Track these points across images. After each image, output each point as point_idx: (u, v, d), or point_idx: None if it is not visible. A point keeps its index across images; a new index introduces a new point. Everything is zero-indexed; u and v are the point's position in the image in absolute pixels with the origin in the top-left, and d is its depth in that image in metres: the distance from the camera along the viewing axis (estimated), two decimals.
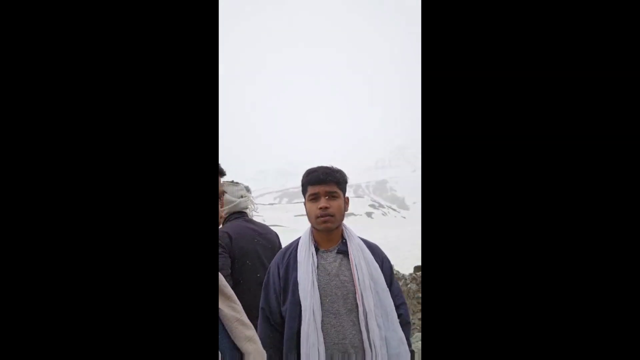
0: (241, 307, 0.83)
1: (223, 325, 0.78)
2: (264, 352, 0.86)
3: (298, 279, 1.30)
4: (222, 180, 1.05)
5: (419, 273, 6.63)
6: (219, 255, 1.67)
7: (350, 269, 1.32)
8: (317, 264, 1.33)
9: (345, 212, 1.38)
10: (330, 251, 1.36)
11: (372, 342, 1.23)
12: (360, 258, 1.33)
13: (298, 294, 1.28)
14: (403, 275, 6.28)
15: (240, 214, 1.93)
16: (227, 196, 1.91)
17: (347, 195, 1.41)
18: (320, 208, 1.32)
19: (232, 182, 1.97)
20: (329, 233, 1.36)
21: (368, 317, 1.25)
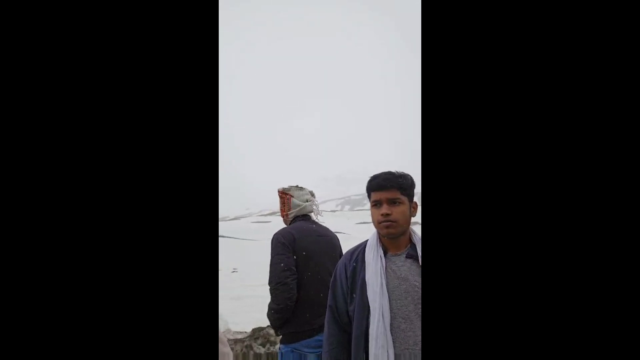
0: (222, 322, 0.82)
1: None
2: None
3: (366, 280, 1.30)
4: (288, 185, 1.17)
5: None
6: (283, 255, 1.88)
7: (420, 274, 1.29)
8: (386, 266, 1.33)
9: (413, 216, 1.37)
10: (399, 255, 1.36)
11: None
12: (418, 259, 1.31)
13: (366, 295, 1.28)
14: None
15: (304, 217, 2.12)
16: (293, 200, 2.09)
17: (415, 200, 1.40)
18: (382, 214, 1.32)
19: (298, 186, 2.17)
20: (396, 239, 1.35)
21: None
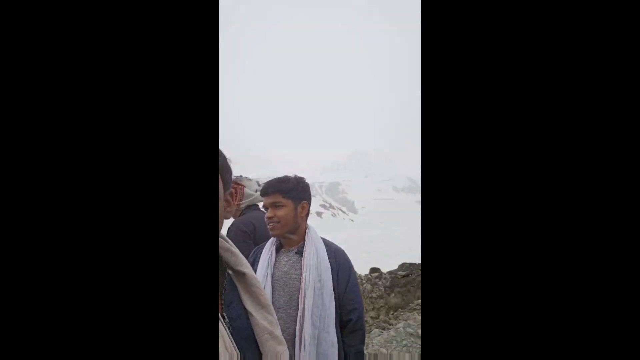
0: (276, 320, 0.83)
1: (253, 334, 0.77)
2: None
3: (256, 272, 1.43)
4: (238, 175, 1.16)
5: (375, 274, 7.46)
6: (245, 243, 1.90)
7: (301, 267, 1.44)
8: (275, 261, 1.49)
9: (303, 215, 1.53)
10: (290, 251, 1.52)
11: (302, 337, 1.33)
12: (312, 259, 1.44)
13: None
14: (359, 275, 6.48)
15: (256, 207, 2.17)
16: (246, 190, 2.15)
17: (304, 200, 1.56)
18: (267, 217, 1.52)
19: (247, 177, 2.23)
20: (286, 237, 1.52)
21: (305, 314, 1.35)
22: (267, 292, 1.42)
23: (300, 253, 1.49)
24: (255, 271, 1.49)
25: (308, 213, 1.59)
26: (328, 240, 1.58)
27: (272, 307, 0.83)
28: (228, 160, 0.79)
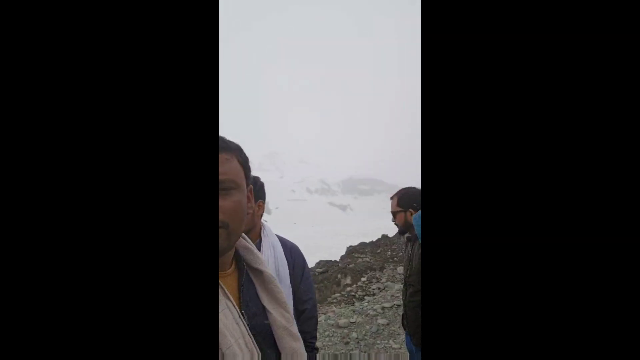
0: (292, 317, 0.85)
1: (271, 331, 0.79)
2: None
3: None
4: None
5: None
6: None
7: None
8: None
9: (259, 214, 1.55)
10: None
11: None
12: (270, 256, 1.47)
13: None
14: None
15: None
16: None
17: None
18: None
19: None
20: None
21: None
22: None
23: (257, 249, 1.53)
24: None
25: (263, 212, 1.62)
26: (283, 238, 1.63)
27: (288, 305, 0.84)
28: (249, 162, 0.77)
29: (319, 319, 4.88)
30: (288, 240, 1.64)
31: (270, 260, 1.47)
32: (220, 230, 0.67)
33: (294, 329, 0.83)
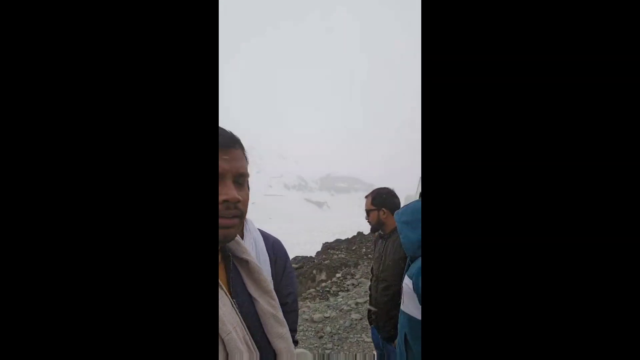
0: (278, 304, 0.87)
1: (259, 319, 0.80)
2: (294, 350, 0.91)
3: None
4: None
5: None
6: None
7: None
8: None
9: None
10: None
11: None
12: (251, 251, 1.35)
13: None
14: None
15: None
16: None
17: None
18: None
19: None
20: None
21: None
22: None
23: None
24: None
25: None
26: (265, 232, 1.60)
27: (274, 293, 0.87)
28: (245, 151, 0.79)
29: None
30: (271, 235, 1.63)
31: (252, 255, 1.52)
32: (237, 220, 0.70)
33: (280, 315, 0.87)
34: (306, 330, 4.47)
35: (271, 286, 0.89)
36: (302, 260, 9.35)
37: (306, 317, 4.90)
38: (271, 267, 1.50)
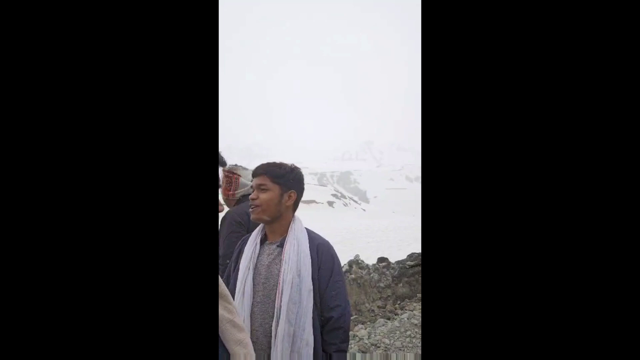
0: (235, 308, 0.85)
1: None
2: (254, 355, 0.90)
3: (239, 264, 1.45)
4: (222, 168, 1.10)
5: (383, 264, 7.14)
6: (237, 234, 1.83)
7: (281, 262, 1.39)
8: (258, 254, 1.43)
9: (288, 205, 1.46)
10: (273, 243, 1.46)
11: (277, 334, 1.29)
12: (292, 253, 1.38)
13: (237, 276, 1.42)
14: (367, 265, 6.61)
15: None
16: (241, 179, 2.10)
17: (293, 189, 1.48)
18: (251, 199, 1.45)
19: (243, 166, 2.15)
20: (269, 226, 1.46)
21: (281, 310, 1.30)
22: (247, 286, 1.37)
23: (282, 246, 1.42)
24: (239, 263, 1.46)
25: (296, 205, 1.51)
26: (314, 233, 1.50)
27: (230, 296, 0.83)
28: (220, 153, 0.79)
29: (401, 317, 4.63)
30: (320, 237, 1.49)
31: (292, 257, 1.36)
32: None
33: (238, 320, 0.82)
34: (413, 337, 4.10)
35: (227, 291, 0.85)
36: (418, 257, 8.82)
37: (415, 321, 4.51)
38: (314, 272, 1.36)
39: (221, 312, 0.78)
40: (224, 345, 0.76)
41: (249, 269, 1.40)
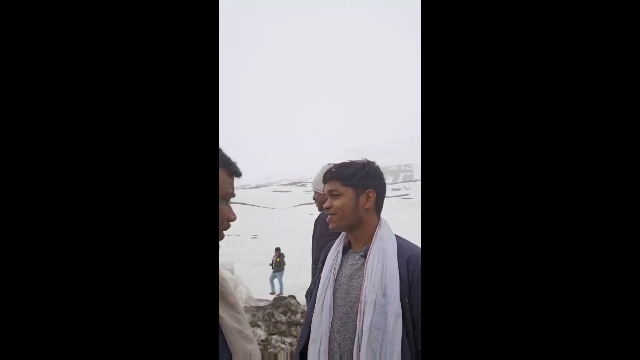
0: (245, 319, 0.80)
1: (223, 336, 0.75)
2: None
3: (321, 275, 1.28)
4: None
5: None
6: (330, 237, 1.59)
7: (363, 276, 1.18)
8: (340, 264, 1.25)
9: (368, 207, 1.23)
10: (358, 253, 1.25)
11: None
12: (376, 267, 1.16)
13: (317, 289, 1.27)
14: None
15: None
16: None
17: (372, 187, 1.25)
18: (324, 207, 1.28)
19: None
20: (351, 233, 1.27)
21: (363, 336, 1.10)
22: (326, 301, 1.20)
23: (366, 256, 1.20)
24: (320, 270, 1.31)
25: (379, 205, 1.27)
26: (406, 242, 1.23)
27: (240, 306, 0.80)
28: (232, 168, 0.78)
29: None
30: (414, 247, 1.22)
31: (376, 273, 1.13)
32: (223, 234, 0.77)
33: (248, 330, 0.77)
34: None
35: (236, 300, 0.81)
36: None
37: None
38: (404, 292, 1.12)
39: (230, 322, 0.74)
40: (225, 348, 0.74)
41: (329, 280, 1.22)
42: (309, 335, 1.25)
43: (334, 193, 1.23)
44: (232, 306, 0.77)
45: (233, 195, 0.79)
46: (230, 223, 0.76)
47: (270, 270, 9.14)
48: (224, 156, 0.76)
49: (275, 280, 8.89)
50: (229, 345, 0.73)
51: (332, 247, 1.31)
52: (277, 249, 9.36)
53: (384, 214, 1.29)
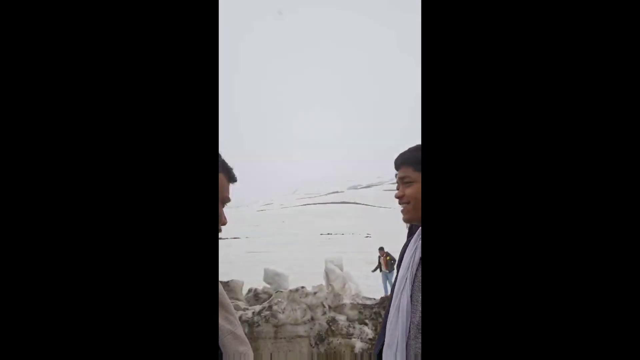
0: (237, 320, 0.79)
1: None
2: None
3: (398, 275, 1.18)
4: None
5: None
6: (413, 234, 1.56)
7: None
8: (418, 264, 1.13)
9: None
10: None
11: None
12: (407, 261, 1.14)
13: (394, 286, 1.17)
14: None
15: None
16: None
17: None
18: (396, 196, 1.16)
19: None
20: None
21: None
22: (403, 302, 1.09)
23: None
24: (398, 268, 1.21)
25: None
26: None
27: (231, 307, 0.78)
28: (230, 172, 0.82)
29: None
30: None
31: (403, 269, 1.10)
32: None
33: (240, 331, 0.77)
34: None
35: (229, 301, 0.80)
36: None
37: None
38: None
39: (222, 322, 0.74)
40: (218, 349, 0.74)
41: (405, 279, 1.11)
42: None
43: (406, 180, 1.12)
44: (224, 307, 0.76)
45: (229, 200, 0.82)
46: (221, 227, 0.78)
47: (379, 274, 8.86)
48: (223, 162, 0.80)
49: (387, 283, 8.52)
50: (221, 347, 0.74)
51: (410, 243, 1.19)
52: (381, 249, 9.00)
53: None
